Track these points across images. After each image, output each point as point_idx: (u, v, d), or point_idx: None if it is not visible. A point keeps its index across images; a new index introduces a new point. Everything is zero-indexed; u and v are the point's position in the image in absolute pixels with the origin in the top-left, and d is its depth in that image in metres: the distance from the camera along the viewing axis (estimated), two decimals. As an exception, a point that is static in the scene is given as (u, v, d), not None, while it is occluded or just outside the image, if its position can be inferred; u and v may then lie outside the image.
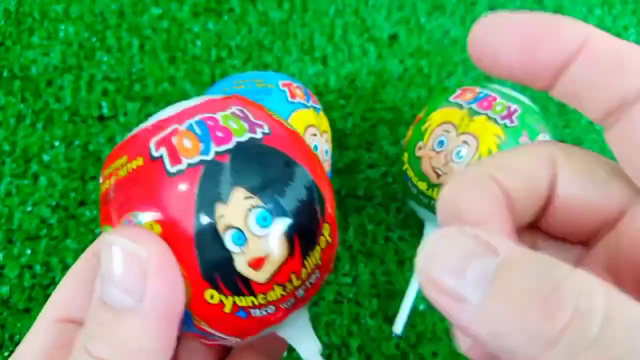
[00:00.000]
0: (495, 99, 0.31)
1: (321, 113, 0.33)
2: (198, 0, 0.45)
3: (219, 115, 0.15)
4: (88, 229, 0.36)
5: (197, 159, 0.14)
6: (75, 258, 0.33)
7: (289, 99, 0.31)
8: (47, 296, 0.34)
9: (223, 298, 0.15)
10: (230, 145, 0.15)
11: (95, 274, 0.17)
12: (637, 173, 0.13)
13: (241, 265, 0.15)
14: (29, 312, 0.33)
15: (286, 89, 0.32)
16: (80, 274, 0.18)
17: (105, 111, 0.40)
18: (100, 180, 0.16)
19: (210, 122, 0.15)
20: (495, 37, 0.14)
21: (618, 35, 0.46)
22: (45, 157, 0.38)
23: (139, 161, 0.15)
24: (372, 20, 0.45)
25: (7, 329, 0.33)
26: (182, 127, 0.15)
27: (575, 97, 0.14)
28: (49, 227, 0.36)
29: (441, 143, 0.31)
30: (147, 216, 0.14)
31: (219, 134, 0.15)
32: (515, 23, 0.14)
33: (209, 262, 0.14)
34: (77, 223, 0.36)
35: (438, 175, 0.30)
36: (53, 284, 0.34)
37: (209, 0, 0.45)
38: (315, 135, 0.31)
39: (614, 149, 0.14)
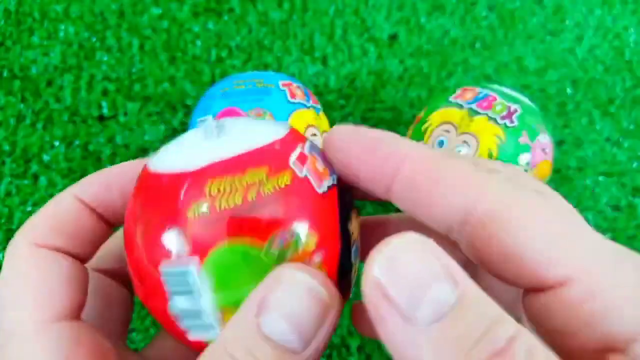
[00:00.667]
0: (495, 99, 0.31)
1: (321, 113, 0.33)
2: (198, 0, 0.45)
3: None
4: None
5: (330, 181, 0.15)
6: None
7: (289, 99, 0.31)
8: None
9: None
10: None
11: (51, 270, 0.15)
12: (496, 271, 0.13)
13: (353, 277, 0.16)
14: (29, 312, 0.33)
15: (286, 89, 0.32)
16: (38, 270, 0.15)
17: (105, 111, 0.40)
18: (208, 195, 0.14)
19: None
20: (344, 150, 0.15)
21: (618, 35, 0.46)
22: (45, 157, 0.38)
23: (286, 179, 0.14)
24: (372, 20, 0.45)
25: (7, 329, 0.33)
26: (305, 151, 0.16)
27: (414, 212, 0.15)
28: (49, 227, 0.36)
29: (441, 143, 0.31)
30: (306, 233, 0.14)
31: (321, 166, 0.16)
32: (356, 138, 0.15)
33: (343, 274, 0.15)
34: (77, 223, 0.36)
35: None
36: (53, 284, 0.34)
37: (209, 0, 0.45)
38: (315, 135, 0.31)
39: (472, 256, 0.14)
